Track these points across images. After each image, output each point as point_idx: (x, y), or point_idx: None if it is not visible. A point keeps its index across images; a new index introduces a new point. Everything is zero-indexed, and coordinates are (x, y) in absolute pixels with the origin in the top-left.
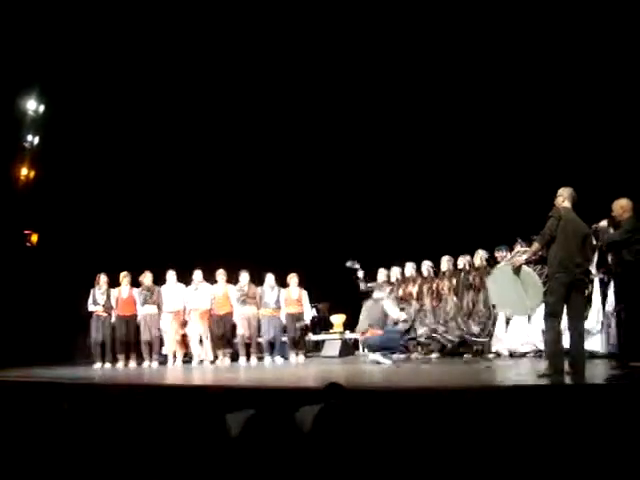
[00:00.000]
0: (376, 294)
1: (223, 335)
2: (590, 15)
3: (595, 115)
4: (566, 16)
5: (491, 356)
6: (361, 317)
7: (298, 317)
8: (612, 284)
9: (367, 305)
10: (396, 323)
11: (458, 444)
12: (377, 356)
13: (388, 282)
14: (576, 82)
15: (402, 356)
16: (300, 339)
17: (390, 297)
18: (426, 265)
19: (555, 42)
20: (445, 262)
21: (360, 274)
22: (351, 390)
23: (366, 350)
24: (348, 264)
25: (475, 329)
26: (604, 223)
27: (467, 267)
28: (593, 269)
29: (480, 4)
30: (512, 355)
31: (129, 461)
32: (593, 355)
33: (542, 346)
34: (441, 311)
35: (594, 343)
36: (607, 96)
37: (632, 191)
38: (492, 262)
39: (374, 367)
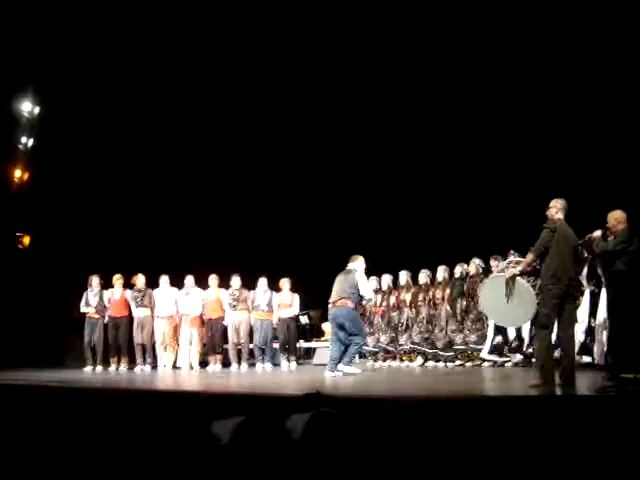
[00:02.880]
0: (350, 265)
1: (214, 340)
2: (584, 29)
3: (590, 126)
4: (561, 29)
5: (486, 365)
6: (333, 288)
7: (289, 320)
8: (603, 295)
9: (339, 277)
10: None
11: (447, 454)
12: (345, 367)
13: (380, 290)
14: (570, 94)
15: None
16: (292, 344)
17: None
18: (424, 273)
19: (549, 56)
20: (441, 271)
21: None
22: (342, 398)
23: (330, 325)
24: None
25: (473, 337)
26: (598, 233)
27: (463, 275)
28: (584, 281)
29: (479, 9)
30: (502, 365)
31: (117, 466)
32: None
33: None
34: (436, 319)
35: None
36: (601, 108)
37: (626, 202)
38: (487, 271)
39: (365, 375)
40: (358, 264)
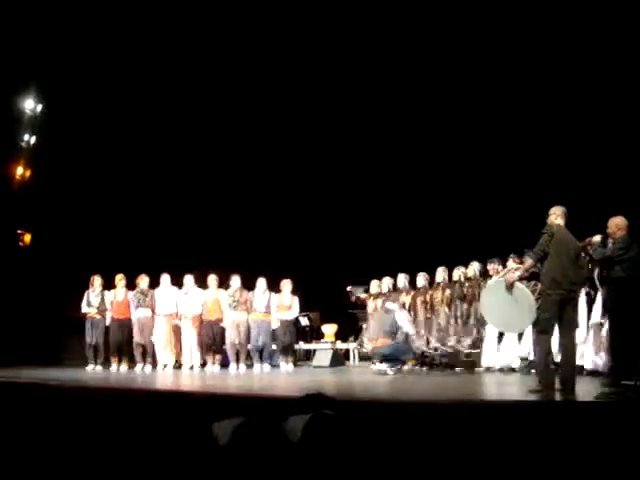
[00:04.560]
0: (389, 305)
1: (213, 341)
2: (585, 34)
3: (590, 131)
4: (562, 33)
5: (481, 370)
6: (372, 327)
7: (288, 322)
8: (598, 299)
9: (378, 315)
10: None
11: (446, 458)
12: (383, 366)
13: (380, 293)
14: (571, 99)
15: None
16: (290, 346)
17: (403, 310)
18: (422, 276)
19: (548, 63)
20: (440, 273)
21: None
22: (342, 401)
23: (375, 360)
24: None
25: (468, 342)
26: (597, 238)
27: (462, 279)
28: None
29: (480, 12)
30: (502, 370)
31: (115, 466)
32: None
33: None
34: (433, 323)
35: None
36: (603, 114)
37: (626, 209)
38: (485, 274)
39: (365, 378)
40: (397, 305)
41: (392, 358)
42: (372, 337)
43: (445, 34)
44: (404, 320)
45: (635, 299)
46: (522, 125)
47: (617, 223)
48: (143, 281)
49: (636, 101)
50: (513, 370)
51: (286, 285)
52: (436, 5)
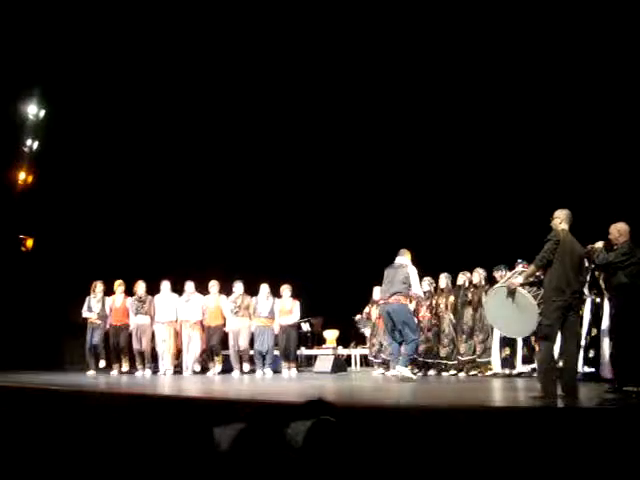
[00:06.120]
0: (398, 259)
1: (215, 346)
2: (590, 39)
3: (594, 137)
4: (563, 40)
5: (489, 374)
6: (383, 285)
7: (289, 327)
8: (606, 306)
9: (388, 273)
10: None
11: (448, 464)
12: (404, 370)
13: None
14: (576, 104)
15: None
16: (292, 351)
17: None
18: (427, 281)
19: (552, 67)
20: (443, 279)
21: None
22: (344, 407)
23: (387, 322)
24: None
25: (478, 348)
26: (600, 244)
27: (466, 284)
28: (586, 290)
29: (483, 13)
30: (510, 375)
31: (115, 471)
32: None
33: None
34: (438, 329)
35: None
36: (607, 119)
37: (629, 214)
38: (491, 281)
39: (367, 384)
40: (407, 258)
41: (407, 325)
42: (385, 295)
43: (446, 37)
44: (414, 278)
45: (638, 305)
46: (526, 130)
47: (619, 229)
48: (140, 287)
49: (638, 107)
50: (520, 376)
51: (285, 290)
52: (436, 5)
